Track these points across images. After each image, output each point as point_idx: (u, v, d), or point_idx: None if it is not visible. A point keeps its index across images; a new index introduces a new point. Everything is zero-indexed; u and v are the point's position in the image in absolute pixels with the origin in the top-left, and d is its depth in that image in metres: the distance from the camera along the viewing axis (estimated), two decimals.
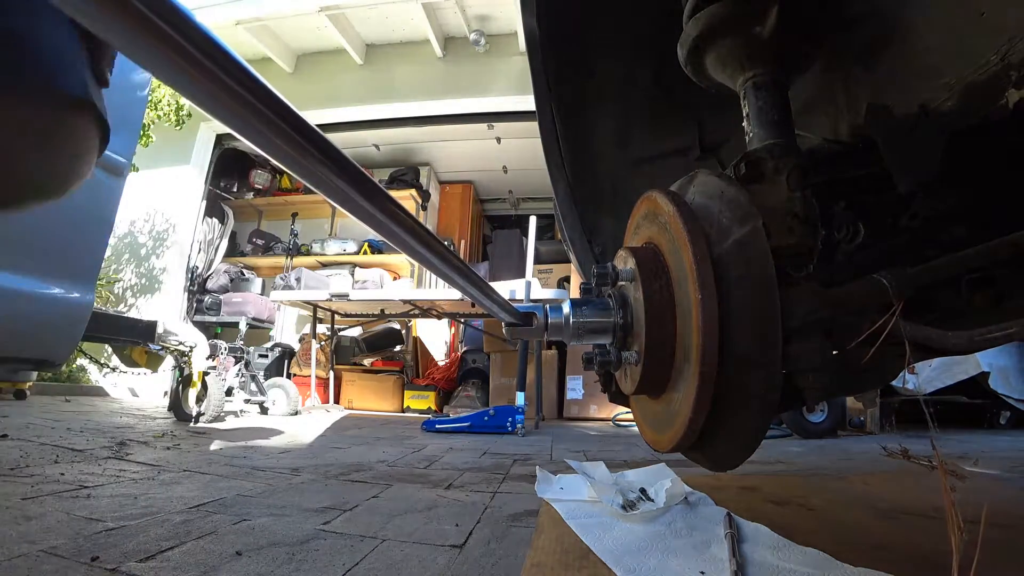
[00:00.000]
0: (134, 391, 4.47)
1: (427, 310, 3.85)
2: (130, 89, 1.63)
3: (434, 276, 5.66)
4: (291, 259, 5.44)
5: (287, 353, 4.40)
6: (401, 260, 5.43)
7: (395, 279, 5.46)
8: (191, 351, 2.60)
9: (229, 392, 2.97)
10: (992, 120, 0.57)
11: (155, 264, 5.06)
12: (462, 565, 0.68)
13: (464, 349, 4.61)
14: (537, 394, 3.36)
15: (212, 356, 2.75)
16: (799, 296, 0.47)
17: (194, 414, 2.55)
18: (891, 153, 0.66)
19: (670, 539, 0.68)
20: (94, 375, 4.41)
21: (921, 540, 0.71)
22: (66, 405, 3.20)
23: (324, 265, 5.57)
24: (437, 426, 2.64)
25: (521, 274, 3.23)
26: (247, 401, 3.16)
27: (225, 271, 5.38)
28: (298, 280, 4.74)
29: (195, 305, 5.14)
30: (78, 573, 0.61)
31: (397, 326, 4.59)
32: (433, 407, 3.98)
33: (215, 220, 5.40)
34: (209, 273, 5.31)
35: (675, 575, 0.58)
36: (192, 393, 2.59)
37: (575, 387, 3.87)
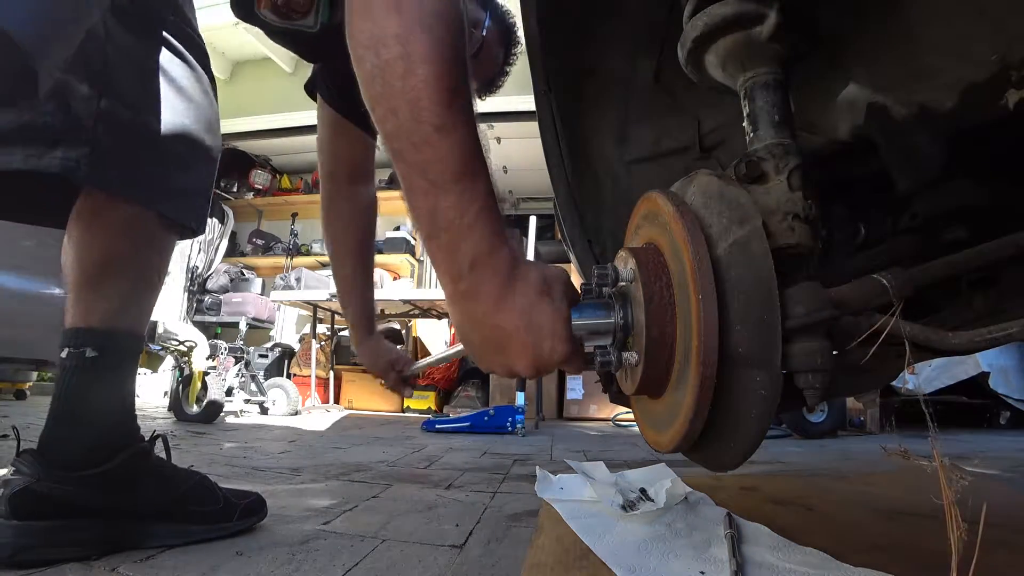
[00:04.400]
0: None
1: (427, 310, 3.86)
2: None
3: (434, 276, 5.66)
4: (291, 259, 5.43)
5: (287, 353, 4.41)
6: (401, 260, 5.43)
7: (395, 279, 5.46)
8: (191, 351, 2.60)
9: (229, 392, 2.97)
10: (992, 120, 0.57)
11: None
12: (462, 565, 0.68)
13: None
14: (537, 394, 3.36)
15: (212, 356, 2.75)
16: (799, 296, 0.47)
17: (196, 410, 2.55)
18: (891, 153, 0.66)
19: (670, 539, 0.68)
20: None
21: (921, 540, 0.71)
22: None
23: (324, 265, 5.56)
24: (437, 426, 2.64)
25: None
26: (247, 401, 3.16)
27: (225, 271, 5.38)
28: (298, 280, 4.74)
29: (195, 305, 5.13)
30: (77, 573, 0.61)
31: (397, 326, 4.58)
32: (433, 407, 3.98)
33: (215, 220, 5.39)
34: (209, 273, 5.31)
35: (675, 575, 0.58)
36: (192, 393, 2.59)
37: (575, 387, 3.87)
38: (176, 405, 2.64)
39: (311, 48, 0.99)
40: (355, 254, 1.12)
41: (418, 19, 0.44)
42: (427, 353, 4.66)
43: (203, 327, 4.34)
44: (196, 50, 0.82)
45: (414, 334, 4.62)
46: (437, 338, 5.22)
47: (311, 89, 1.12)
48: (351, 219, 1.12)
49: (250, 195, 5.90)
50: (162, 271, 0.81)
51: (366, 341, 1.09)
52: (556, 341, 0.47)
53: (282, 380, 3.66)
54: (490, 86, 1.12)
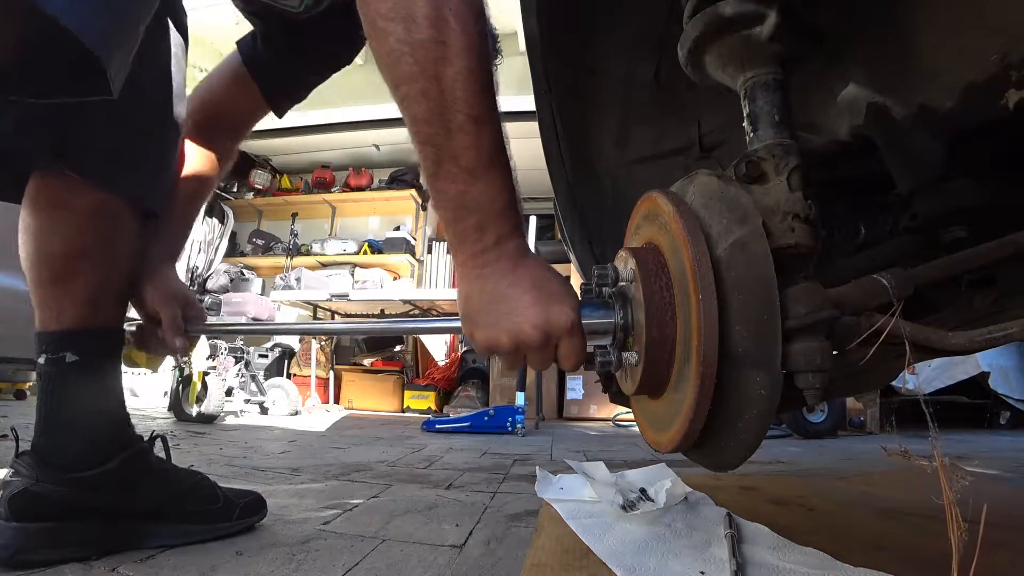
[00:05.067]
0: (134, 391, 4.47)
1: (427, 310, 3.86)
2: None
3: (434, 276, 5.64)
4: (291, 259, 5.43)
5: (287, 353, 4.40)
6: (401, 260, 5.43)
7: (395, 279, 5.46)
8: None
9: (229, 392, 2.97)
10: (992, 120, 0.57)
11: None
12: (462, 565, 0.68)
13: (464, 349, 4.61)
14: (537, 394, 3.36)
15: (212, 356, 2.75)
16: (799, 296, 0.47)
17: (194, 414, 2.55)
18: (891, 153, 0.66)
19: (670, 539, 0.68)
20: None
21: (921, 540, 0.71)
22: None
23: (324, 265, 5.56)
24: (437, 426, 2.64)
25: None
26: (247, 401, 3.16)
27: (225, 271, 5.37)
28: (298, 280, 4.74)
29: None
30: (77, 573, 0.61)
31: None
32: (433, 407, 3.99)
33: (215, 220, 5.38)
34: (209, 273, 5.30)
35: (675, 575, 0.58)
36: (192, 393, 2.59)
37: (575, 387, 3.87)
38: (176, 405, 2.64)
39: (279, 27, 0.92)
40: (193, 194, 0.90)
41: (447, 1, 0.45)
42: (427, 353, 4.66)
43: None
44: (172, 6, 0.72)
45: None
46: (437, 338, 5.22)
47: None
48: (203, 167, 0.91)
49: (250, 195, 5.90)
50: (136, 255, 0.75)
51: (160, 266, 0.82)
52: (565, 306, 0.49)
53: (282, 380, 3.66)
54: None
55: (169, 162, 0.77)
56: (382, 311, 4.01)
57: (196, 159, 0.90)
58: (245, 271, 5.54)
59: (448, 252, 5.64)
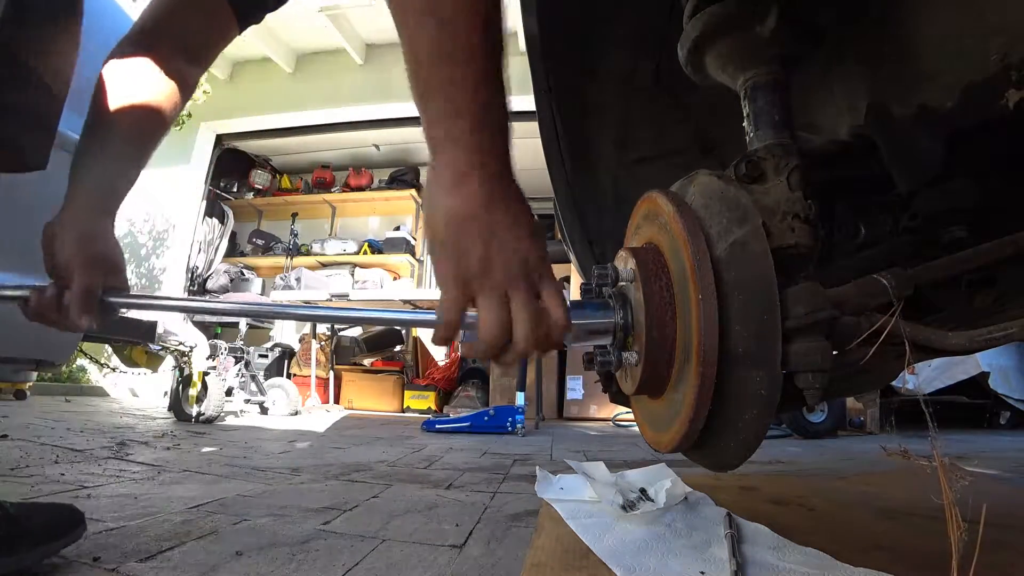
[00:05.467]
0: (134, 391, 4.46)
1: (427, 310, 3.85)
2: None
3: (434, 276, 5.66)
4: (291, 259, 5.44)
5: (287, 353, 4.40)
6: (401, 261, 5.43)
7: (395, 279, 5.46)
8: (191, 351, 2.60)
9: (229, 392, 2.97)
10: (992, 120, 0.57)
11: (155, 264, 5.06)
12: (462, 565, 0.68)
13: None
14: (537, 394, 3.36)
15: (212, 356, 2.75)
16: (799, 296, 0.47)
17: (194, 414, 2.55)
18: (891, 153, 0.66)
19: (670, 539, 0.68)
20: (94, 375, 4.41)
21: (921, 540, 0.71)
22: (66, 405, 3.20)
23: (324, 265, 5.57)
24: (437, 426, 2.64)
25: None
26: (247, 401, 3.16)
27: (225, 271, 5.38)
28: (298, 280, 4.74)
29: None
30: (78, 573, 0.61)
31: (398, 326, 4.58)
32: (433, 407, 3.98)
33: (215, 220, 5.39)
34: (209, 273, 5.31)
35: (675, 575, 0.58)
36: (192, 393, 2.59)
37: (575, 387, 3.87)
38: (176, 405, 2.63)
39: None
40: (139, 130, 0.74)
41: None
42: (427, 353, 4.65)
43: (203, 327, 4.35)
44: None
45: (414, 334, 4.62)
46: None
47: None
48: (152, 96, 0.74)
49: (250, 195, 5.90)
50: None
51: (87, 219, 0.66)
52: (542, 253, 0.44)
53: (282, 380, 3.66)
54: None
55: (47, 97, 0.63)
56: None
57: (144, 86, 0.73)
58: (245, 271, 5.54)
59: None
